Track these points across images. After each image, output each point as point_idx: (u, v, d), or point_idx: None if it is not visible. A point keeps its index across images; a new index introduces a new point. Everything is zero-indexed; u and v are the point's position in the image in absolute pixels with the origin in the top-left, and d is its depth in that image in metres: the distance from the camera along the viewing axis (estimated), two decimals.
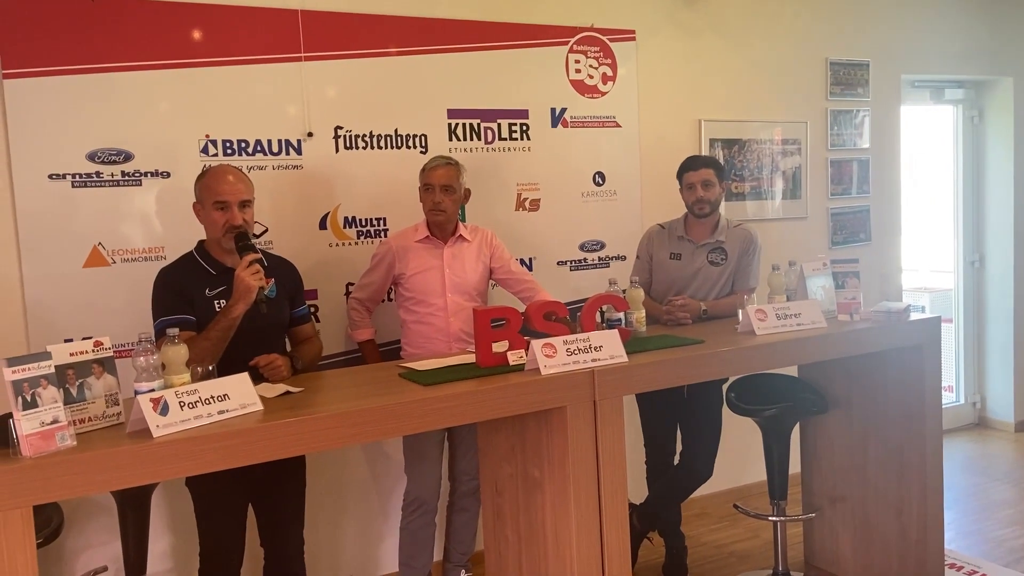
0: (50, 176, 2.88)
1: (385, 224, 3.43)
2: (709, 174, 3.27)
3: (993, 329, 5.44)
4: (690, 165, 3.32)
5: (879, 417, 3.19)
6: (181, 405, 1.89)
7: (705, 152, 4.13)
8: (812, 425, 3.46)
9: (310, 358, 2.71)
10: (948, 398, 5.44)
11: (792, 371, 3.42)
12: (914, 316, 3.05)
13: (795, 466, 3.40)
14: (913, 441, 3.09)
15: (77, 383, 1.91)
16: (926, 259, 5.55)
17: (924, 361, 3.03)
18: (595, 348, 2.39)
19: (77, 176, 2.92)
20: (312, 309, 3.23)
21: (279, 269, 2.70)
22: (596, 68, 3.87)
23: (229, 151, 3.14)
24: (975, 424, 5.53)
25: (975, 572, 3.46)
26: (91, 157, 2.94)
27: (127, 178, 3.00)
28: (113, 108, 2.96)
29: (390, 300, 3.33)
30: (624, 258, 3.95)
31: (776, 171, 4.41)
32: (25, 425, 1.72)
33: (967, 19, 4.99)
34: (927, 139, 5.40)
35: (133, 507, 2.62)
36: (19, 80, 2.82)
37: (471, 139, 3.59)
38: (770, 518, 3.28)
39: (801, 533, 3.64)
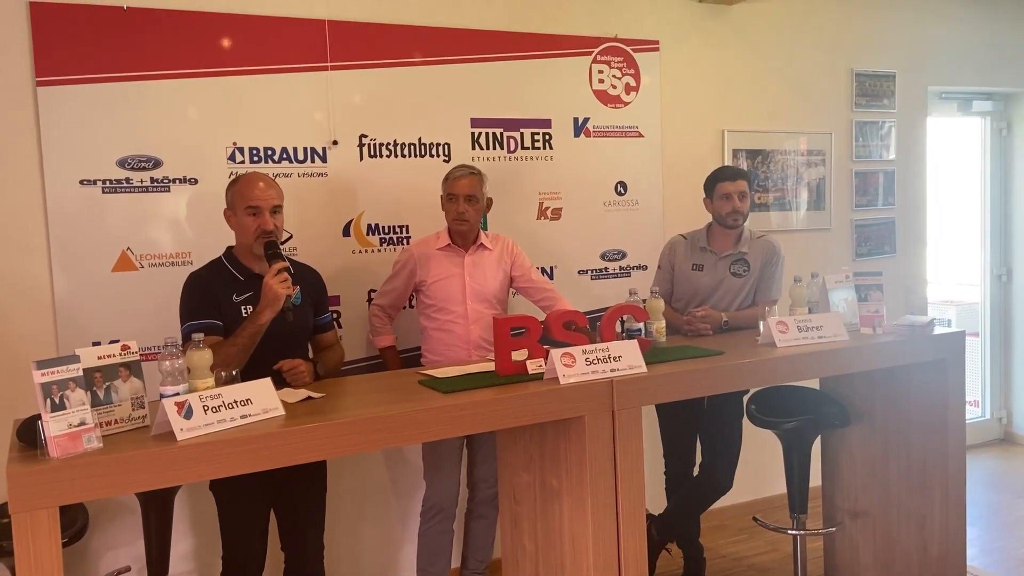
0: (81, 181, 2.94)
1: (408, 232, 3.46)
2: (744, 185, 3.26)
3: (1020, 343, 5.36)
4: (725, 175, 3.29)
5: (902, 431, 3.16)
6: (205, 409, 1.93)
7: (728, 162, 4.12)
8: (833, 438, 3.44)
9: (332, 364, 2.75)
10: (973, 413, 5.36)
11: (814, 383, 3.40)
12: (938, 330, 3.02)
13: (816, 479, 3.37)
14: (936, 456, 3.05)
15: (104, 386, 1.95)
16: (952, 272, 5.49)
17: (948, 376, 3.00)
18: (614, 358, 2.40)
19: (107, 182, 2.98)
20: (335, 315, 3.26)
21: (304, 276, 2.73)
22: (619, 78, 3.88)
23: (256, 158, 3.18)
24: (1000, 440, 5.45)
25: None
26: (121, 163, 2.99)
27: (156, 184, 3.05)
28: (143, 115, 3.01)
29: (411, 307, 3.35)
30: (645, 268, 3.95)
31: (800, 182, 4.38)
32: (53, 427, 1.76)
33: (995, 31, 4.94)
34: (954, 151, 5.35)
35: (157, 509, 2.67)
36: (52, 88, 2.88)
37: (494, 148, 3.61)
38: (790, 531, 3.25)
39: (821, 547, 3.61)
